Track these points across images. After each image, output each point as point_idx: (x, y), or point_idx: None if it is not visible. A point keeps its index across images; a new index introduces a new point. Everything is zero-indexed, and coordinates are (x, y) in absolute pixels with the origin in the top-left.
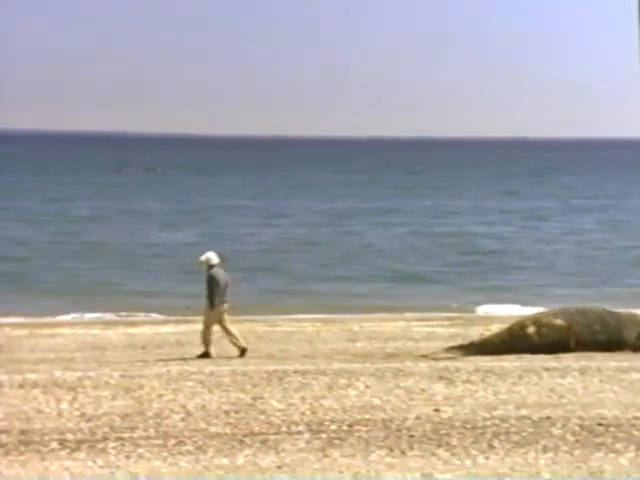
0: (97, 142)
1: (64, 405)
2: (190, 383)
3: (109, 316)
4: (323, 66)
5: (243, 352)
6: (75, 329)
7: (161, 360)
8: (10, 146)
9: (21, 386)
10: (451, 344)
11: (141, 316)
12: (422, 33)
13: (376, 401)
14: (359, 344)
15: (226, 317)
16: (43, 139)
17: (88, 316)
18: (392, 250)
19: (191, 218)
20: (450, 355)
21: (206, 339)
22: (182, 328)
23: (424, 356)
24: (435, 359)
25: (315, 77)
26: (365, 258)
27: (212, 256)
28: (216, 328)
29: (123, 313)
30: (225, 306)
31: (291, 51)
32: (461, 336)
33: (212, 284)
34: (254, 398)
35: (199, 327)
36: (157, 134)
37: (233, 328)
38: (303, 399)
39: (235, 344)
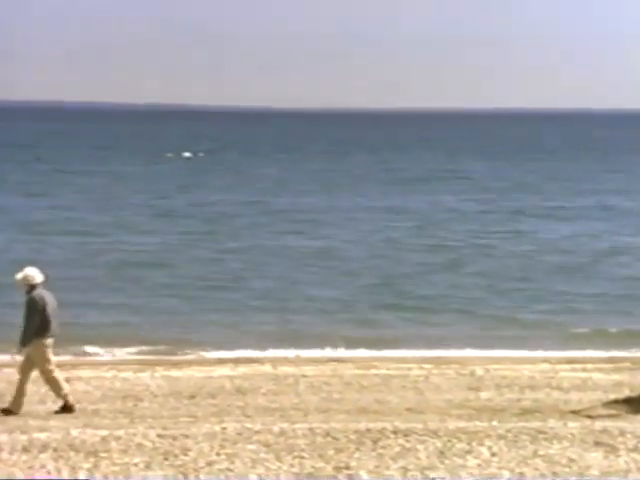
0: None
1: (81, 476)
2: (252, 446)
3: (145, 354)
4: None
5: (68, 408)
6: (99, 371)
7: (214, 414)
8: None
9: (25, 449)
10: (614, 397)
11: (187, 354)
12: None
13: (505, 474)
14: (484, 394)
15: (51, 356)
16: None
17: (117, 354)
18: (525, 267)
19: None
20: (612, 412)
21: (21, 388)
22: (242, 370)
23: (575, 412)
24: (591, 417)
25: None
26: (490, 277)
27: (33, 273)
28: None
29: (163, 349)
30: (50, 341)
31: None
32: (628, 386)
33: (35, 310)
34: (337, 468)
35: (265, 369)
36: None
37: (58, 372)
38: (405, 470)
39: (59, 394)
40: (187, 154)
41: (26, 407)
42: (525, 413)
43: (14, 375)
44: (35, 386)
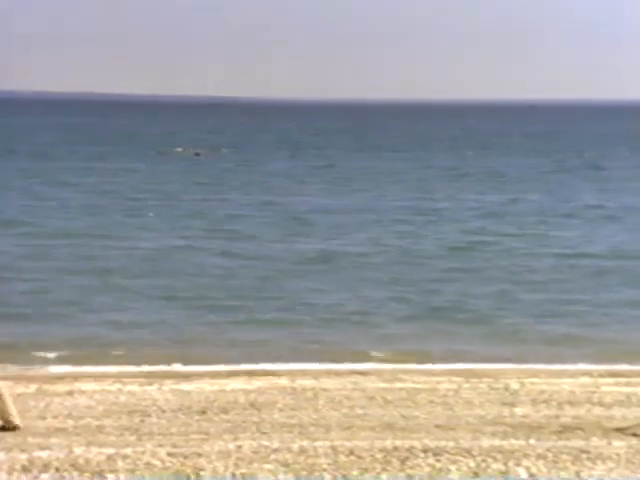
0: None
1: None
2: (269, 465)
3: (152, 366)
4: None
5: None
6: (104, 384)
7: (228, 431)
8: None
9: (25, 469)
10: None
11: (197, 366)
12: None
13: None
14: (519, 410)
15: None
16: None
17: (122, 366)
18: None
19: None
20: None
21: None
22: (257, 383)
23: (620, 430)
24: (637, 436)
25: None
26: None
27: None
28: None
29: (171, 360)
30: None
31: None
32: None
33: None
34: None
35: (281, 382)
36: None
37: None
38: None
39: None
40: (199, 150)
41: (25, 422)
42: (565, 431)
43: (14, 389)
44: (34, 400)
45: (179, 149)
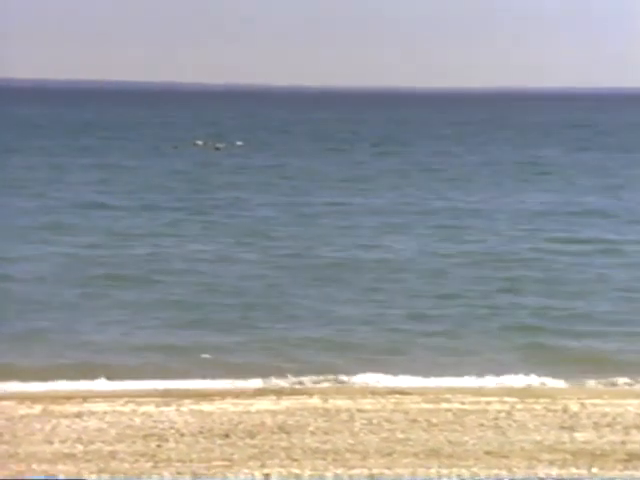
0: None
1: None
2: None
3: (170, 384)
4: None
5: None
6: (116, 405)
7: (254, 457)
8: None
9: None
10: None
11: (220, 384)
12: None
13: None
14: (580, 435)
15: None
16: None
17: (137, 383)
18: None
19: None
20: None
21: None
22: (286, 403)
23: None
24: None
25: None
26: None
27: None
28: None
29: (191, 378)
30: None
31: None
32: None
33: None
34: None
35: (313, 402)
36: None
37: None
38: None
39: None
40: (219, 144)
41: (29, 448)
42: (632, 459)
43: (17, 410)
44: (39, 422)
45: (199, 142)
